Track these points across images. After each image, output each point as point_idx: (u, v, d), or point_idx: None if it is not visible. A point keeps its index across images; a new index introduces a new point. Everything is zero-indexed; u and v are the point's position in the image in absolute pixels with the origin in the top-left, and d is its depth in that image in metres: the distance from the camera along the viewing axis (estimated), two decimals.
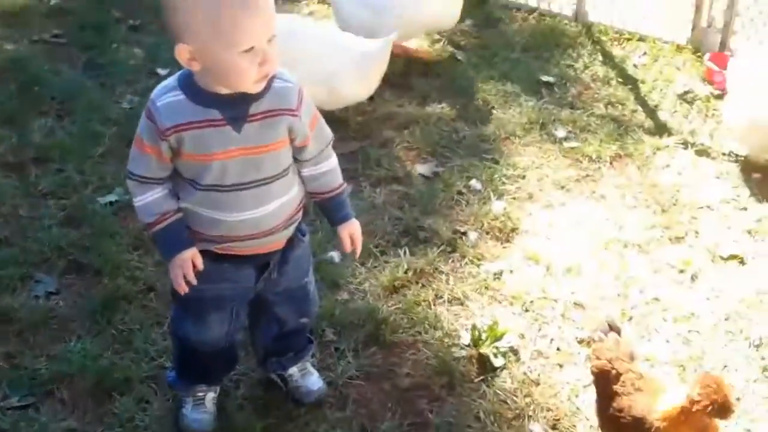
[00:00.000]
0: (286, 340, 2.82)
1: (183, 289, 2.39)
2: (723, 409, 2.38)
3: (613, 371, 2.62)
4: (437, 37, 5.30)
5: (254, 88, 2.23)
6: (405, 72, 4.90)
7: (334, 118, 4.34)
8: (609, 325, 2.74)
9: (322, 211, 2.62)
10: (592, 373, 2.69)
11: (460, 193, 3.93)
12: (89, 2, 5.65)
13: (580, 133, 4.41)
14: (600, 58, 5.18)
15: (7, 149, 4.12)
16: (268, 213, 2.39)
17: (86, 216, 3.66)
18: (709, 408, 2.37)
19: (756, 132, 4.03)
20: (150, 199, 2.37)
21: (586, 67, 5.06)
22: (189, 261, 2.38)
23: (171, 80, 2.30)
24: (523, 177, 4.06)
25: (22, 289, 3.30)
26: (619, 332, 2.74)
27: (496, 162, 4.15)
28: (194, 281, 2.39)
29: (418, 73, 4.92)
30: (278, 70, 2.30)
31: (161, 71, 4.73)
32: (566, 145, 4.31)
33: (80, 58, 4.96)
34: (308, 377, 2.91)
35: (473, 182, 4.00)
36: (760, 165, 4.17)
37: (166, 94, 2.27)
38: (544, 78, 4.88)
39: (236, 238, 2.41)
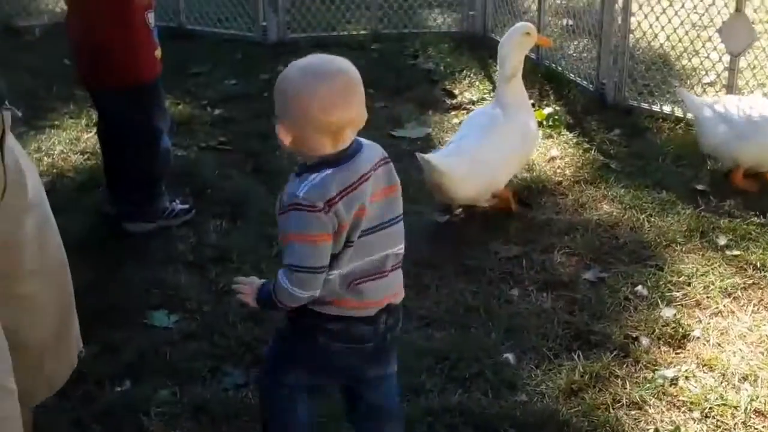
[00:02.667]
0: None
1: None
2: None
3: None
4: (587, 146, 5.43)
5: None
6: (558, 182, 5.03)
7: (496, 224, 4.49)
8: None
9: None
10: None
11: (627, 298, 3.97)
12: (249, 112, 5.99)
13: (741, 241, 4.41)
14: None
15: (186, 248, 4.37)
16: (400, 252, 2.55)
17: (267, 313, 3.82)
18: None
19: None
20: (313, 293, 2.42)
21: None
22: None
23: (296, 180, 2.37)
24: (689, 284, 4.08)
25: (212, 381, 3.46)
26: None
27: (660, 269, 4.19)
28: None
29: (571, 182, 5.04)
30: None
31: None
32: (728, 253, 4.32)
33: (247, 164, 5.24)
34: None
35: (639, 288, 4.04)
36: None
37: (303, 184, 2.32)
38: (699, 186, 4.93)
39: (378, 274, 2.48)
